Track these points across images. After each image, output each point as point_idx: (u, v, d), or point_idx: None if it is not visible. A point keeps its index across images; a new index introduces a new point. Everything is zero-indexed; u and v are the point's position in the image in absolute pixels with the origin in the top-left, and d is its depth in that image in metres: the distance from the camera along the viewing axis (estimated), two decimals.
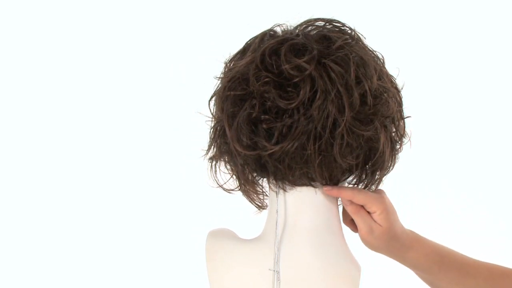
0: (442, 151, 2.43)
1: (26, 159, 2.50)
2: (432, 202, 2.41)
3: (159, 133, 2.48)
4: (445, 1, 2.47)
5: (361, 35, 1.19)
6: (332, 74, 1.11)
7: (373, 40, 1.22)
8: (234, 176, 1.22)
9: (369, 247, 1.22)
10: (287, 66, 1.12)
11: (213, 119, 1.21)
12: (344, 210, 1.23)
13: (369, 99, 1.13)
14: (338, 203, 1.23)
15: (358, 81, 1.13)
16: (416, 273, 1.27)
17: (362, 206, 1.19)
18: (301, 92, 1.11)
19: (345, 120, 1.11)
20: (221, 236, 1.24)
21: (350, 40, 1.16)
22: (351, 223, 1.24)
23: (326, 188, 1.17)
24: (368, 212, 1.20)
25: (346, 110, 1.10)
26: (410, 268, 1.26)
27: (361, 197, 1.18)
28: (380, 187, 1.23)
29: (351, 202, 1.19)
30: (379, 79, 1.15)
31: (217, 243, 1.23)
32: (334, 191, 1.17)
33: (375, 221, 1.19)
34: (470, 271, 1.24)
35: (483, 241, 2.37)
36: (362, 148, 1.15)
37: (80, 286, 2.45)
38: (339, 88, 1.11)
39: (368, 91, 1.13)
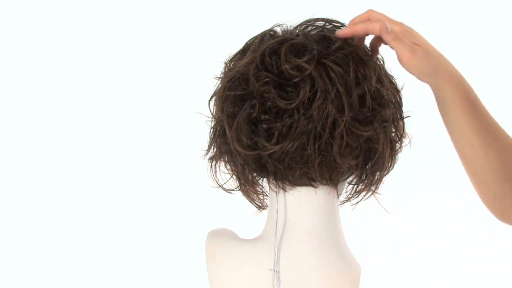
0: (442, 151, 2.43)
1: (26, 159, 2.50)
2: (432, 201, 2.41)
3: (159, 133, 2.48)
4: (445, 1, 2.47)
5: None
6: (332, 74, 1.11)
7: None
8: (234, 176, 1.22)
9: (414, 72, 1.12)
10: (287, 66, 1.12)
11: (213, 119, 1.21)
12: (373, 43, 1.17)
13: (368, 100, 1.13)
14: (338, 204, 1.23)
15: (358, 82, 1.13)
16: (441, 111, 1.15)
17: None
18: (301, 92, 1.11)
19: (344, 120, 1.11)
20: (221, 236, 1.24)
21: (350, 41, 1.16)
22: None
23: (337, 32, 1.13)
24: None
25: (346, 110, 1.10)
26: (443, 101, 1.13)
27: (377, 29, 1.11)
28: (380, 187, 1.23)
29: (387, 31, 1.10)
30: (379, 80, 1.15)
31: (217, 243, 1.23)
32: (346, 30, 1.13)
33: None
34: (493, 131, 1.14)
35: (483, 240, 2.37)
36: (361, 149, 1.14)
37: (80, 286, 2.45)
38: (339, 88, 1.11)
39: (367, 92, 1.13)
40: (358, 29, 1.13)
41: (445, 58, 1.13)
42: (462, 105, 1.12)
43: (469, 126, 1.13)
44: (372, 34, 1.13)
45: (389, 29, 1.10)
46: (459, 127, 1.14)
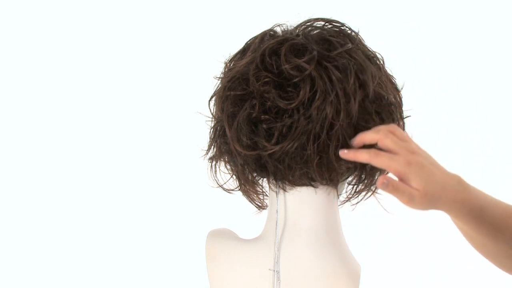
0: (442, 150, 2.43)
1: (26, 160, 2.50)
2: None
3: (159, 133, 2.48)
4: (445, 1, 2.47)
5: (360, 36, 1.19)
6: (332, 76, 1.11)
7: (373, 40, 1.22)
8: (234, 176, 1.22)
9: (416, 210, 1.11)
10: (287, 66, 1.12)
11: (213, 119, 1.21)
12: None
13: (367, 104, 1.13)
14: (338, 204, 1.23)
15: (356, 89, 1.12)
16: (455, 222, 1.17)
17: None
18: (301, 92, 1.11)
19: (340, 124, 1.11)
20: (221, 236, 1.24)
21: (350, 46, 1.15)
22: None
23: (341, 152, 1.09)
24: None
25: (342, 115, 1.10)
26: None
27: (379, 164, 1.07)
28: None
29: (385, 187, 1.05)
30: (378, 85, 1.15)
31: (217, 243, 1.23)
32: (350, 154, 1.09)
33: (410, 187, 1.06)
34: (503, 224, 1.14)
35: None
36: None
37: (80, 286, 2.45)
38: (338, 91, 1.11)
39: (365, 97, 1.13)
40: (362, 158, 1.08)
41: (444, 188, 1.09)
42: (467, 222, 1.13)
43: (477, 234, 1.15)
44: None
45: (387, 184, 1.06)
46: (468, 234, 1.18)
